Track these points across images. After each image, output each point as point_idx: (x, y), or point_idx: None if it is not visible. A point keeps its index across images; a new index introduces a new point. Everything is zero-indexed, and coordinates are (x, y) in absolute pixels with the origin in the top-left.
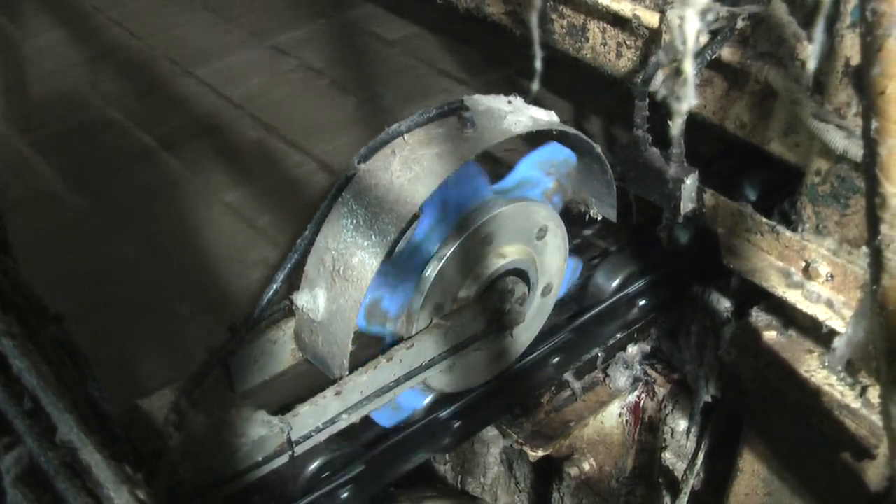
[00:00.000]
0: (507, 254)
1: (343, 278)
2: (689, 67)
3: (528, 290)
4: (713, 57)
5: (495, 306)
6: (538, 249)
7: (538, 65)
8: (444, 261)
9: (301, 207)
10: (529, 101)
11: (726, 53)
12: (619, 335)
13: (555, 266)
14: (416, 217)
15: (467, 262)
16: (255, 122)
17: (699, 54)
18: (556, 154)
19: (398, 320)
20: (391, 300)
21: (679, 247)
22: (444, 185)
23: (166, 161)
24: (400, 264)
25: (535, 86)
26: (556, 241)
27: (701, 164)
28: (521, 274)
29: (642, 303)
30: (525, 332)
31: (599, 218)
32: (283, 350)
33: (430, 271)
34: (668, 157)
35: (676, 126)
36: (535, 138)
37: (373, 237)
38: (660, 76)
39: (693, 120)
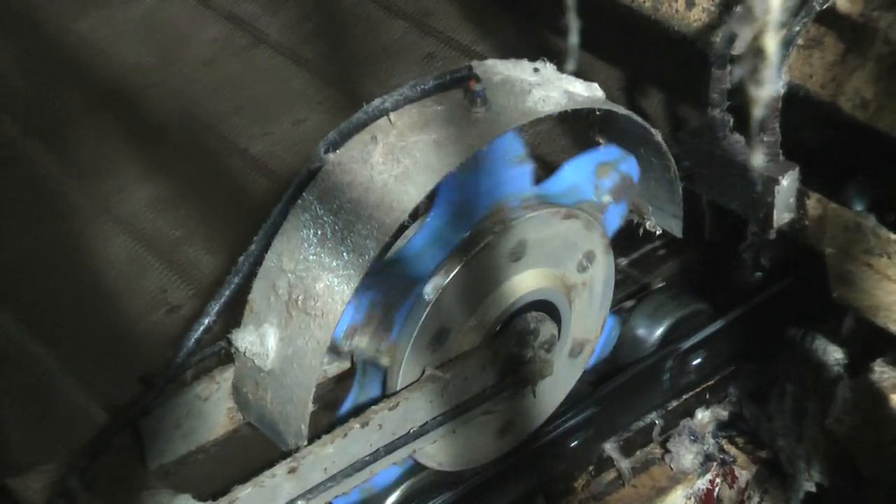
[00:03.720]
0: (536, 279)
1: (303, 311)
2: (772, 41)
3: (559, 330)
4: (825, 5)
5: (512, 352)
6: (577, 285)
7: (574, 38)
8: (456, 271)
9: (243, 214)
10: (565, 69)
11: (843, 2)
12: (687, 394)
13: (593, 315)
14: (404, 227)
15: (485, 279)
16: (177, 96)
17: (802, 8)
18: (615, 157)
19: (376, 338)
20: (366, 301)
21: (769, 273)
22: (476, 161)
23: (37, 154)
24: (390, 267)
25: (571, 65)
26: (601, 281)
27: (803, 159)
28: (550, 309)
29: (698, 361)
30: (553, 390)
31: (658, 232)
32: (216, 410)
33: (432, 290)
34: (757, 148)
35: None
36: (573, 123)
37: (344, 255)
38: (748, 33)
39: (794, 95)
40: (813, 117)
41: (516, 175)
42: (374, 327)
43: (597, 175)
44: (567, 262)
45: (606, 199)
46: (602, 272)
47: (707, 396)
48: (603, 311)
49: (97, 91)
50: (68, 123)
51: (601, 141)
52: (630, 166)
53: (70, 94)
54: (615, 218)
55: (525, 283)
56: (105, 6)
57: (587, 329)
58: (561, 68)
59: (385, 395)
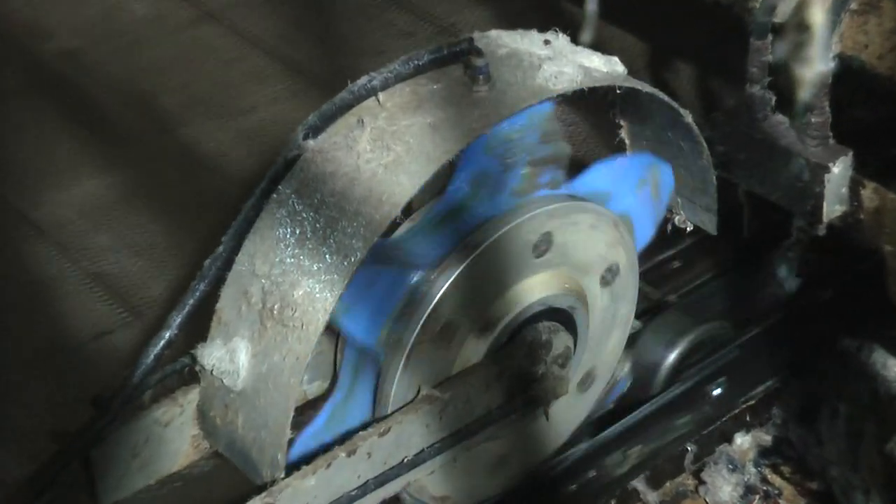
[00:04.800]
0: (552, 282)
1: (279, 322)
2: (819, 13)
3: (574, 344)
4: None
5: (520, 369)
6: (598, 298)
7: (592, 5)
8: (476, 254)
9: (208, 211)
10: (581, 41)
11: None
12: (725, 415)
13: (610, 344)
14: (396, 224)
15: (504, 272)
16: (118, 81)
17: None
18: (649, 164)
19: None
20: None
21: (818, 275)
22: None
23: None
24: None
25: (588, 35)
26: (624, 303)
27: (857, 142)
28: (566, 320)
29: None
30: (568, 412)
31: (689, 228)
32: (178, 437)
33: (439, 288)
34: (804, 130)
35: (807, 91)
36: (590, 103)
37: (327, 257)
38: (791, 2)
39: (846, 68)
40: (868, 93)
41: (553, 162)
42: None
43: (629, 181)
44: (590, 269)
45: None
46: (626, 292)
47: (747, 418)
48: (620, 343)
49: (28, 77)
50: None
51: (622, 123)
52: (665, 174)
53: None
54: (645, 230)
55: (539, 286)
56: None
57: (602, 359)
58: (575, 40)
59: (375, 419)
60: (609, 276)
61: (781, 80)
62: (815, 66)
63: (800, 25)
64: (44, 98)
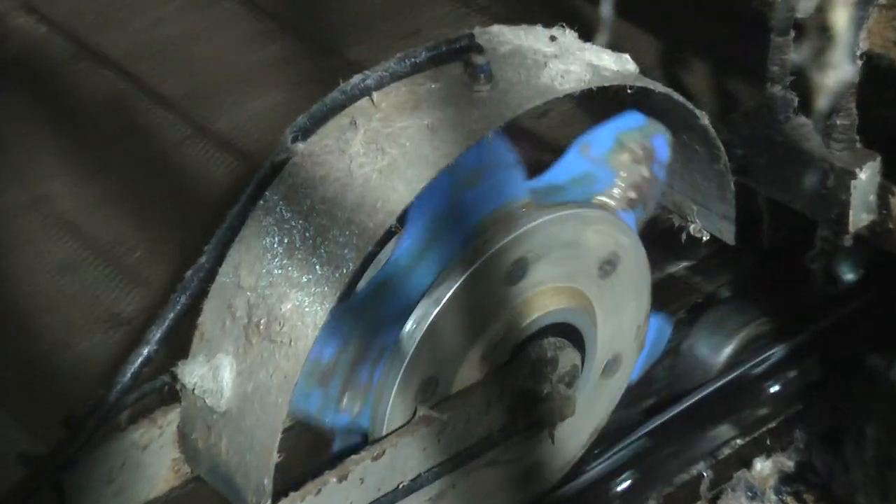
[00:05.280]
0: (548, 299)
1: (266, 338)
2: (842, 16)
3: (582, 361)
4: None
5: (525, 388)
6: (601, 294)
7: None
8: (440, 308)
9: (192, 217)
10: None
11: None
12: (736, 441)
13: (627, 324)
14: (392, 234)
15: (480, 312)
16: (115, 66)
17: None
18: (637, 128)
19: (352, 396)
20: (340, 355)
21: (843, 287)
22: (444, 177)
23: None
24: (362, 304)
25: (603, 38)
26: (632, 282)
27: (886, 146)
28: (571, 333)
29: (775, 388)
30: (575, 435)
31: (705, 238)
32: (157, 461)
33: (415, 326)
34: (828, 133)
35: (826, 98)
36: (599, 103)
37: (317, 268)
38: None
39: (874, 66)
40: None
41: (503, 176)
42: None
43: (615, 153)
44: (584, 270)
45: (629, 182)
46: (631, 271)
47: (768, 442)
48: (639, 315)
49: (15, 63)
50: None
51: None
52: (657, 134)
53: None
54: (643, 205)
55: (535, 304)
56: None
57: (622, 340)
58: (583, 36)
59: (368, 441)
60: (608, 266)
61: (804, 79)
62: (837, 73)
63: (821, 27)
64: (31, 87)
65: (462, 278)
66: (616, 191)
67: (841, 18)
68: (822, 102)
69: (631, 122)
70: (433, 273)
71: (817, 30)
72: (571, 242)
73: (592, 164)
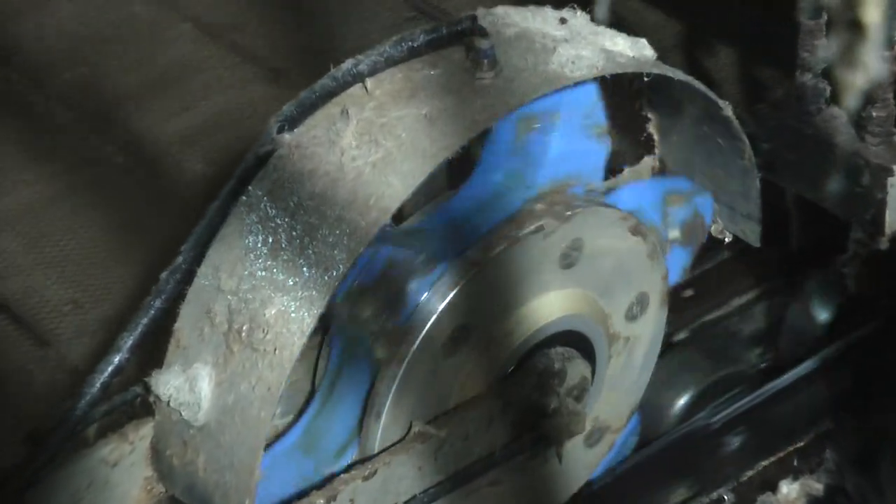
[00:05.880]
0: (572, 301)
1: (248, 346)
2: (875, 11)
3: (593, 372)
4: None
5: (529, 403)
6: (619, 338)
7: None
8: (436, 317)
9: (166, 212)
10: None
11: None
12: (761, 462)
13: (624, 392)
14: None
15: (514, 292)
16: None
17: None
18: (692, 192)
19: (384, 313)
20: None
21: (877, 296)
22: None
23: None
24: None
25: (603, 9)
26: (645, 345)
27: None
28: (583, 346)
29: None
30: (585, 453)
31: (728, 239)
32: (128, 479)
33: (447, 281)
34: (863, 126)
35: (855, 98)
36: (613, 92)
37: (304, 270)
38: None
39: None
40: None
41: (590, 151)
42: (385, 295)
43: (666, 203)
44: (618, 295)
45: (674, 234)
46: (650, 332)
47: (795, 463)
48: (636, 393)
49: None
50: None
51: (650, 116)
52: (704, 204)
53: None
54: (677, 264)
55: (557, 304)
56: None
57: (614, 410)
58: (596, 18)
59: (356, 462)
60: (637, 308)
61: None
62: (867, 72)
63: (850, 24)
64: None
65: (522, 233)
66: (663, 231)
67: (874, 13)
68: (849, 100)
69: (682, 183)
70: (434, 273)
71: (846, 24)
72: (622, 254)
73: (644, 203)
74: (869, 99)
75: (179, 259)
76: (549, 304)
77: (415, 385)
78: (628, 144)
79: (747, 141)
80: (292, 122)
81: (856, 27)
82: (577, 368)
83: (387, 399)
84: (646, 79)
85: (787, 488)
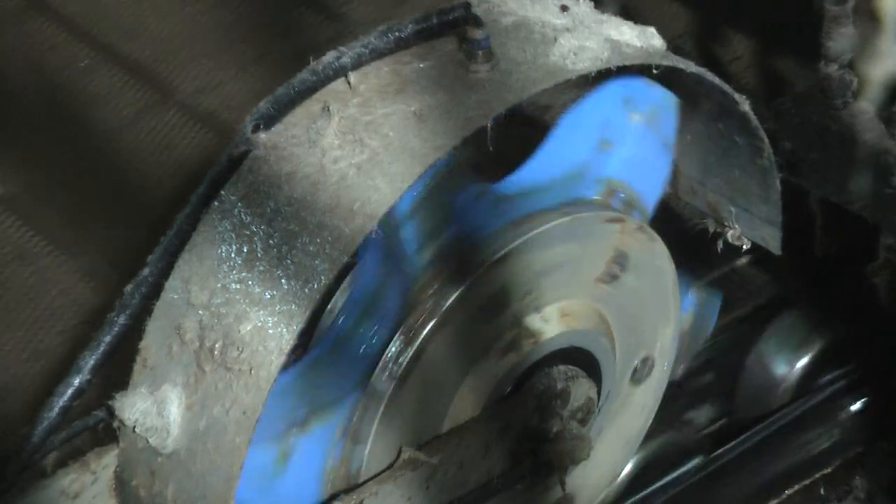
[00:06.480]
0: (552, 321)
1: (221, 365)
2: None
3: (598, 391)
4: None
5: (529, 426)
6: (611, 302)
7: None
8: (420, 340)
9: (130, 222)
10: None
11: None
12: (792, 487)
13: (650, 322)
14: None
15: (472, 341)
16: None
17: None
18: (633, 95)
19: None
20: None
21: None
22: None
23: None
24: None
25: None
26: (648, 274)
27: None
28: (582, 359)
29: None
30: (592, 476)
31: (746, 246)
32: None
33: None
34: (893, 122)
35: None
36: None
37: (283, 282)
38: None
39: None
40: None
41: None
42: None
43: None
44: (586, 277)
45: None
46: (647, 263)
47: (822, 491)
48: (664, 306)
49: None
50: None
51: None
52: (660, 101)
53: None
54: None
55: (533, 329)
56: None
57: (647, 340)
58: (600, 5)
59: (340, 492)
60: (617, 269)
61: None
62: (887, 63)
63: (867, 13)
64: None
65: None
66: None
67: (890, 1)
68: (869, 94)
69: (632, 87)
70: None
71: (865, 13)
72: (563, 256)
73: (583, 150)
74: None
75: (146, 271)
76: (527, 332)
77: (405, 407)
78: None
79: (766, 139)
80: (269, 121)
81: (874, 16)
82: (581, 388)
83: (373, 423)
84: (655, 71)
85: None
